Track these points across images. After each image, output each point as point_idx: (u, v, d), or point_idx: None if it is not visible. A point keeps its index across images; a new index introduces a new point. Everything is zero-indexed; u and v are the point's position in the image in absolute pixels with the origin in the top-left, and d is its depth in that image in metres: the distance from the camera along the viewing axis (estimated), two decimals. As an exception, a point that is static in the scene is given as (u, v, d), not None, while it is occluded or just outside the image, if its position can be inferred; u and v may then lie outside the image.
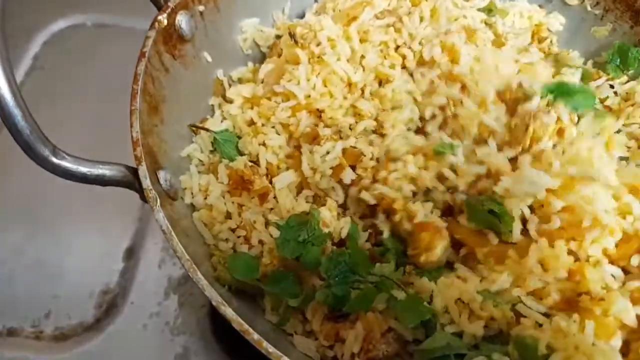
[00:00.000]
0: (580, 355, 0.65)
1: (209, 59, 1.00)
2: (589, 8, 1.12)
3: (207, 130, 0.94)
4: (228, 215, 0.87)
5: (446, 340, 0.70)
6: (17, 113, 0.63)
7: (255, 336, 0.63)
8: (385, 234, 0.85)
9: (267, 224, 0.86)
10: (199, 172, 0.92)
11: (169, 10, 0.88)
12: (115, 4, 1.38)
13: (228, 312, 0.64)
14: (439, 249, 0.80)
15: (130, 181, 0.73)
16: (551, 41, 1.10)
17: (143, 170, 0.73)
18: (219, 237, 0.84)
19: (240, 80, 1.05)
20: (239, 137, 0.94)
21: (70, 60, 1.33)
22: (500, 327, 0.74)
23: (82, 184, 0.71)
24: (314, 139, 0.90)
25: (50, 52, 1.36)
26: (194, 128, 0.94)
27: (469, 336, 0.72)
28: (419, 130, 0.94)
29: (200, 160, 0.92)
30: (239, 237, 0.86)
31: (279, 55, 1.01)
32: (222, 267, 0.80)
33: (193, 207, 0.87)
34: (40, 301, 1.04)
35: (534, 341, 0.68)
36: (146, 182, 0.72)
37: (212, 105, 1.01)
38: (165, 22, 0.88)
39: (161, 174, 0.79)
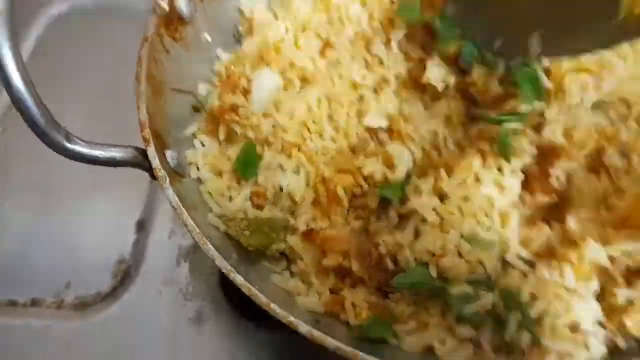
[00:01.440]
0: (559, 301, 0.72)
1: (209, 39, 1.03)
2: None
3: (190, 93, 0.97)
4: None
5: (422, 275, 0.77)
6: (30, 103, 0.68)
7: (264, 299, 0.69)
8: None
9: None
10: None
11: (168, -6, 0.92)
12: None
13: (237, 278, 0.71)
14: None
15: (140, 162, 0.79)
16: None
17: (152, 151, 0.78)
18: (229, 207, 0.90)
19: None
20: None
21: (74, 42, 1.37)
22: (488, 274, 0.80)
23: (91, 164, 0.77)
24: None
25: (53, 34, 1.39)
26: (194, 106, 0.99)
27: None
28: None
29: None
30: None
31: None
32: (241, 235, 0.86)
33: (200, 182, 0.92)
34: (59, 273, 1.11)
35: (517, 290, 0.74)
36: (155, 162, 0.78)
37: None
38: (166, 6, 0.92)
39: (168, 154, 0.84)
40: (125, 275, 1.12)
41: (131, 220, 1.16)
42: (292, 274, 0.88)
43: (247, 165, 0.91)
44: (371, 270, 0.83)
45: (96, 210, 1.17)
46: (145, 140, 0.79)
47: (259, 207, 0.91)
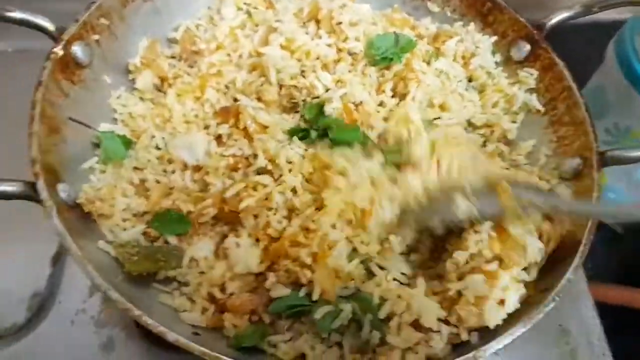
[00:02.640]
0: (402, 301, 0.81)
1: (109, 80, 1.11)
2: (448, 14, 1.28)
3: (88, 126, 1.03)
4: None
5: (295, 299, 0.86)
6: None
7: (136, 312, 0.76)
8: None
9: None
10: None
11: (64, 42, 1.00)
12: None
13: (113, 295, 0.78)
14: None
15: (30, 195, 0.86)
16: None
17: (41, 185, 0.85)
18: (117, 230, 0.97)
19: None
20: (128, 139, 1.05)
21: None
22: (357, 286, 0.89)
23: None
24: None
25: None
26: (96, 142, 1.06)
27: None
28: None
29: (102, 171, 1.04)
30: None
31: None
32: (127, 261, 0.93)
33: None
34: (-26, 308, 1.16)
35: (370, 294, 0.83)
36: (44, 195, 0.85)
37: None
38: (61, 52, 1.00)
39: (60, 187, 0.91)
40: (40, 307, 1.16)
41: (47, 254, 1.21)
42: (182, 294, 0.94)
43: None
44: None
45: (11, 245, 1.22)
46: (35, 174, 0.86)
47: (153, 241, 0.98)
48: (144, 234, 0.98)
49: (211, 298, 0.92)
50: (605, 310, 1.20)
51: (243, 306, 0.90)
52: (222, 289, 0.92)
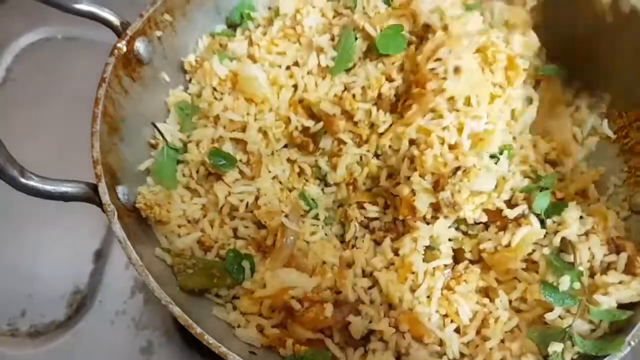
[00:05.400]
0: None
1: (168, 79, 1.08)
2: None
3: (164, 138, 1.02)
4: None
5: None
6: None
7: (198, 330, 0.73)
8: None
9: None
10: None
11: (128, 37, 0.97)
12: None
13: (175, 309, 0.75)
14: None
15: (91, 197, 0.83)
16: None
17: (102, 187, 0.83)
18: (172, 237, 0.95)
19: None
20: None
21: (41, 72, 1.40)
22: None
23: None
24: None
25: (22, 64, 1.43)
26: (152, 142, 1.04)
27: None
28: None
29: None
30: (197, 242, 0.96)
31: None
32: (182, 273, 0.90)
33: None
34: (15, 302, 1.14)
35: None
36: (105, 198, 0.82)
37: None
38: (125, 48, 0.97)
39: (119, 189, 0.88)
40: (80, 304, 1.15)
41: (89, 250, 1.19)
42: (235, 307, 0.91)
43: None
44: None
45: (55, 239, 1.20)
46: (97, 176, 0.83)
47: (206, 250, 0.95)
48: (198, 242, 0.95)
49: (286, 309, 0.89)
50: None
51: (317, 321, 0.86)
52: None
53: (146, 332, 1.11)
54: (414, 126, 0.91)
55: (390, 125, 0.97)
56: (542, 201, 0.90)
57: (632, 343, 0.79)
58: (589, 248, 0.85)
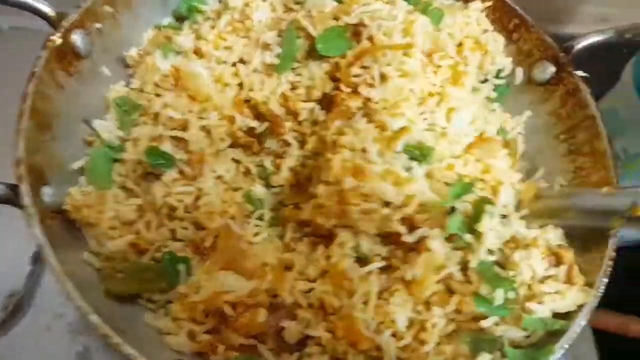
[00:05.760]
0: None
1: (109, 73, 1.04)
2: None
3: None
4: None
5: None
6: None
7: (115, 340, 0.71)
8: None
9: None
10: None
11: (63, 30, 0.92)
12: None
13: (94, 319, 0.71)
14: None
15: (12, 199, 0.78)
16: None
17: (24, 189, 0.78)
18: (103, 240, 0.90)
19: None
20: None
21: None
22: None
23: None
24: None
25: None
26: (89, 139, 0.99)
27: None
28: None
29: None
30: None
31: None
32: (109, 278, 0.86)
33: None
34: (-52, 305, 1.09)
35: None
36: (26, 200, 0.78)
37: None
38: (60, 41, 0.92)
39: (45, 190, 0.83)
40: (16, 307, 1.10)
41: (26, 252, 1.14)
42: (167, 313, 0.88)
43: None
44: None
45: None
46: (18, 178, 0.79)
47: (141, 253, 0.91)
48: (132, 244, 0.91)
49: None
50: (602, 337, 1.16)
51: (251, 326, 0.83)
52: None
53: (83, 337, 1.07)
54: (332, 130, 0.88)
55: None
56: (454, 221, 0.85)
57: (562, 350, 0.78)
58: (530, 265, 0.83)
